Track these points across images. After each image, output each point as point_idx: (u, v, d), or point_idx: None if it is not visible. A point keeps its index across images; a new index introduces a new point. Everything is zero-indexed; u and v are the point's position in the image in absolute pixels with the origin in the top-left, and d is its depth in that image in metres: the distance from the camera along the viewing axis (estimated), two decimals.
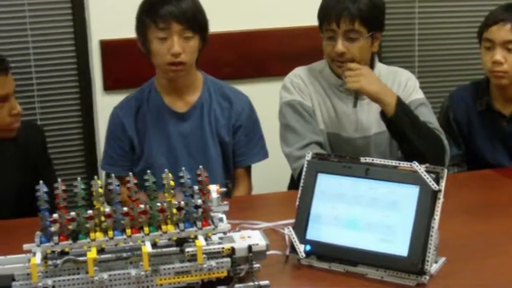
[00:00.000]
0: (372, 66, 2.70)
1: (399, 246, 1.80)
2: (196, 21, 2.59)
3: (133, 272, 1.63)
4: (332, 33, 2.57)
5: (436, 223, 1.78)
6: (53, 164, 2.95)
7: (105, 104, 3.42)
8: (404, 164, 1.87)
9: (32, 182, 2.64)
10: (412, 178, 1.83)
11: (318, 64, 2.76)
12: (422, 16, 3.99)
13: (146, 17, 2.60)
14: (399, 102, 2.52)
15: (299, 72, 2.77)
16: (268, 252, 1.78)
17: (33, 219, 1.86)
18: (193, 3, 2.62)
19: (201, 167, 1.77)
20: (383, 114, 2.55)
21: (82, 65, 3.59)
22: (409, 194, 1.82)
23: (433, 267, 1.80)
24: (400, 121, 2.52)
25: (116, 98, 2.93)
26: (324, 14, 2.61)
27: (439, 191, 1.79)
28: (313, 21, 2.68)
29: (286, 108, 2.70)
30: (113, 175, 1.76)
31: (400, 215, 1.83)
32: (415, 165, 1.83)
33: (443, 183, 1.79)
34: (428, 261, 1.76)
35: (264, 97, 3.10)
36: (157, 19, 2.56)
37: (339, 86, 2.68)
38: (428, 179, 1.79)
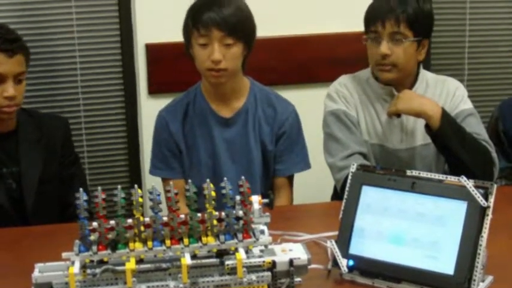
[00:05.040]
0: (416, 75, 2.65)
1: (445, 263, 1.75)
2: (238, 28, 2.56)
3: (172, 283, 1.61)
4: (376, 35, 2.54)
5: (484, 240, 1.72)
6: (80, 161, 2.97)
7: (150, 108, 3.41)
8: (451, 178, 1.81)
9: (56, 173, 2.67)
10: (459, 193, 1.78)
11: (364, 72, 2.71)
12: (473, 23, 3.89)
13: (190, 22, 2.61)
14: (444, 114, 2.46)
15: (344, 81, 2.72)
16: (309, 266, 1.74)
17: (72, 224, 1.85)
18: (238, 9, 2.59)
19: (243, 177, 1.74)
20: (428, 127, 2.49)
21: (127, 68, 3.59)
22: (457, 210, 1.77)
23: (479, 287, 1.74)
24: (445, 134, 2.46)
25: (161, 102, 2.93)
26: (370, 15, 2.58)
27: (488, 207, 1.73)
28: (361, 27, 2.64)
29: (331, 118, 2.66)
30: (153, 184, 1.74)
31: (447, 231, 1.78)
32: (463, 180, 1.77)
33: (492, 200, 1.74)
34: (475, 280, 1.70)
35: (311, 103, 3.07)
36: (199, 25, 2.56)
37: (384, 95, 2.63)
38: (477, 195, 1.73)
